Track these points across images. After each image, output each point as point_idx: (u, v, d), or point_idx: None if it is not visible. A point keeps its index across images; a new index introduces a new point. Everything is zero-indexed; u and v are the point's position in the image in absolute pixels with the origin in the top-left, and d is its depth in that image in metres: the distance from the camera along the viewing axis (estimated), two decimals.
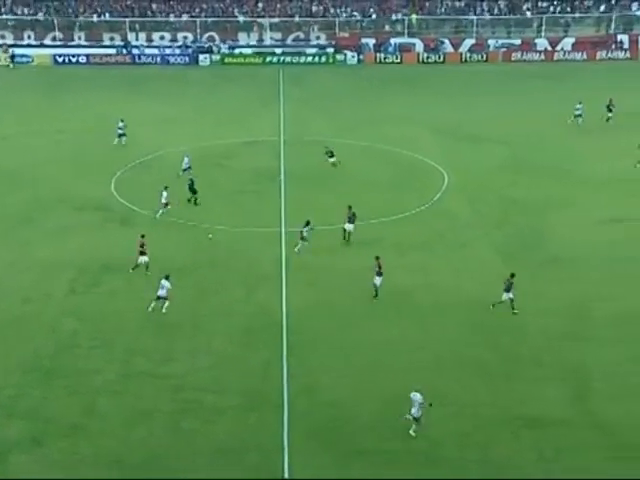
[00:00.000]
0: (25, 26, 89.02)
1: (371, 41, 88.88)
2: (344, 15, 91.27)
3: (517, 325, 32.00)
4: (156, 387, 27.93)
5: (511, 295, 32.36)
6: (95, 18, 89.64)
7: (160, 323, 32.00)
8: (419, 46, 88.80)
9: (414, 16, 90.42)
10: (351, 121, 62.21)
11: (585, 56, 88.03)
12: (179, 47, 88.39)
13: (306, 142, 55.30)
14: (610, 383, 28.37)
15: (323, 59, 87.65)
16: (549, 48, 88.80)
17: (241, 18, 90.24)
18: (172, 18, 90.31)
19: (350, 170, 49.70)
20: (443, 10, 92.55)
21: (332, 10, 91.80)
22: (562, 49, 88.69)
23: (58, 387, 28.03)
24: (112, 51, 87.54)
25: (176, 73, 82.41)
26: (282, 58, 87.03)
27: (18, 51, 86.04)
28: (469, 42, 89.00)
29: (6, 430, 25.78)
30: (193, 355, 29.84)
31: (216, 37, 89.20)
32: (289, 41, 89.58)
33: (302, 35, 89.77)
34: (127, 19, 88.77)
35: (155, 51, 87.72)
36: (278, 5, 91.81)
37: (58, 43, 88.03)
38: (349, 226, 39.13)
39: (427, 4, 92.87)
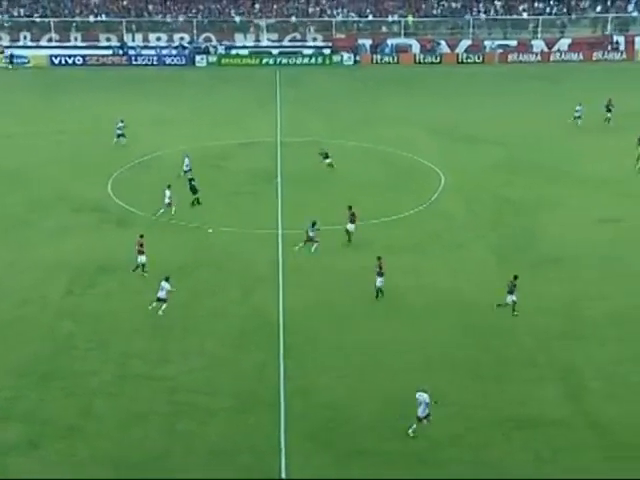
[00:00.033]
0: (21, 27, 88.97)
1: (368, 42, 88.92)
2: (340, 16, 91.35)
3: (511, 326, 32.14)
4: (151, 389, 28.03)
5: (514, 298, 32.48)
6: (91, 19, 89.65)
7: (156, 324, 32.10)
8: (415, 47, 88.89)
9: (410, 17, 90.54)
10: (348, 122, 62.31)
11: (581, 57, 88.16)
12: (175, 48, 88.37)
13: (303, 143, 55.39)
14: (605, 382, 28.52)
15: (320, 60, 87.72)
16: (545, 49, 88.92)
17: (238, 19, 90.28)
18: (168, 19, 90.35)
19: (346, 171, 49.82)
20: (439, 11, 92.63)
21: (329, 11, 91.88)
22: (558, 50, 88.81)
23: (55, 389, 28.13)
24: (108, 52, 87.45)
25: (173, 74, 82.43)
26: (279, 59, 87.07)
27: (15, 52, 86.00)
28: (465, 43, 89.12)
29: (3, 433, 25.86)
30: (188, 357, 29.93)
31: (213, 38, 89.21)
32: (286, 42, 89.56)
33: (299, 36, 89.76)
34: (123, 20, 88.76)
35: (152, 52, 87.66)
36: (275, 6, 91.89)
37: (54, 44, 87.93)
38: (350, 226, 39.26)
39: (423, 5, 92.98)
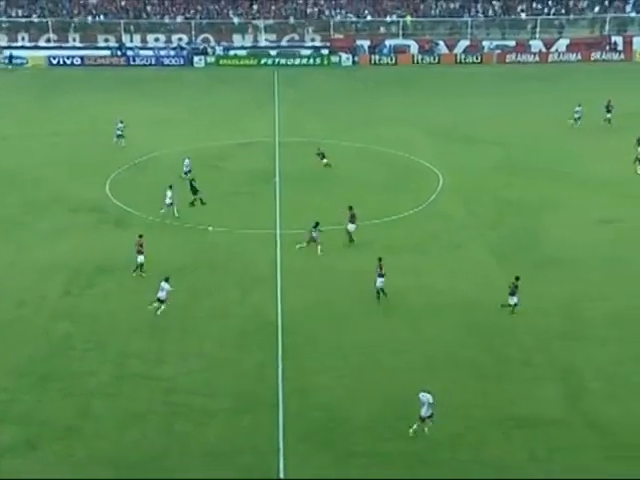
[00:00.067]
0: (19, 28, 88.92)
1: (366, 43, 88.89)
2: (339, 17, 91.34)
3: (511, 326, 32.07)
4: (149, 389, 27.94)
5: (515, 300, 32.39)
6: (90, 19, 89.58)
7: (154, 325, 31.99)
8: (414, 47, 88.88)
9: (409, 18, 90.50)
10: (346, 122, 62.24)
11: (579, 57, 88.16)
12: (174, 49, 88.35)
13: (301, 143, 55.31)
14: (604, 383, 28.46)
15: (318, 61, 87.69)
16: (543, 49, 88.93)
17: (236, 20, 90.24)
18: (167, 20, 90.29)
19: (345, 172, 49.77)
20: (438, 12, 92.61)
21: (327, 12, 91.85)
22: (556, 50, 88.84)
23: (52, 390, 28.02)
24: (107, 53, 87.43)
25: (171, 74, 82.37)
26: (277, 60, 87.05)
27: (13, 53, 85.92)
28: (464, 43, 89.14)
29: (0, 434, 25.75)
30: (186, 357, 29.83)
31: (211, 39, 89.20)
32: (284, 43, 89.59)
33: (297, 37, 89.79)
34: (122, 21, 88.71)
35: (150, 53, 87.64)
36: (273, 7, 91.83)
37: (52, 45, 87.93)
38: (351, 226, 39.18)
39: (422, 6, 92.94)
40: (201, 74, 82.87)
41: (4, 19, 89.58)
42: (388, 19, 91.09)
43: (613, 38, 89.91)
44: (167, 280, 32.51)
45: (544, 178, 48.65)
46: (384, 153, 54.43)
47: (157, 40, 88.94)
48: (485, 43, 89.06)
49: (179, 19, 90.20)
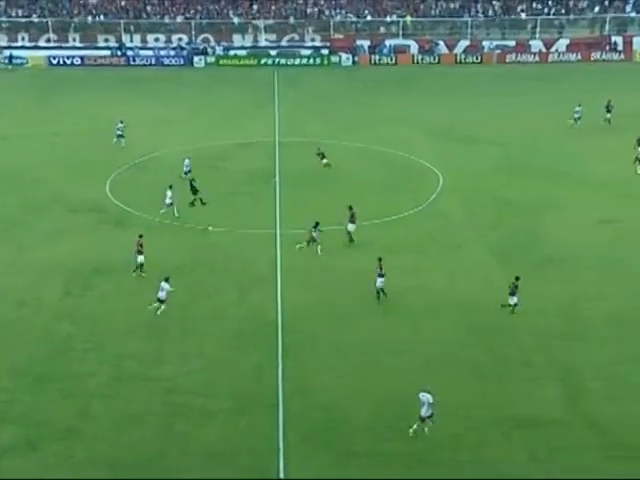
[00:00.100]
0: (19, 28, 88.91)
1: (366, 43, 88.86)
2: (339, 17, 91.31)
3: (511, 326, 32.04)
4: (148, 390, 27.91)
5: (515, 300, 32.35)
6: (90, 20, 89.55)
7: (153, 326, 31.96)
8: (414, 47, 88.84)
9: (409, 18, 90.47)
10: (346, 122, 62.21)
11: (579, 57, 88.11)
12: (174, 49, 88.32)
13: (301, 143, 55.29)
14: (604, 383, 28.43)
15: (318, 61, 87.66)
16: (543, 49, 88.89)
17: (236, 20, 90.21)
18: (167, 20, 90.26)
19: (345, 171, 49.75)
20: (438, 12, 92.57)
21: (327, 12, 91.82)
22: (556, 50, 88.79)
23: (52, 391, 28.00)
24: (107, 53, 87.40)
25: (171, 74, 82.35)
26: (277, 60, 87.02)
27: (13, 53, 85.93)
28: (464, 43, 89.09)
29: (0, 434, 25.72)
30: (185, 358, 29.80)
31: (211, 39, 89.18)
32: (284, 43, 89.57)
33: (297, 37, 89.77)
34: (122, 21, 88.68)
35: (150, 53, 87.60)
36: (273, 7, 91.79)
37: (52, 45, 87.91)
38: (351, 226, 39.16)
39: (422, 6, 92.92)
40: (201, 74, 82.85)
41: (4, 19, 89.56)
42: (388, 19, 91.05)
43: (613, 38, 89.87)
44: (167, 280, 32.48)
45: (544, 178, 48.62)
46: (384, 153, 54.41)
47: (157, 40, 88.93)
48: (485, 43, 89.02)
49: (179, 19, 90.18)
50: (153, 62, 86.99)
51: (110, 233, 40.93)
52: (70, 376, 28.84)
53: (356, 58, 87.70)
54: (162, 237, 39.85)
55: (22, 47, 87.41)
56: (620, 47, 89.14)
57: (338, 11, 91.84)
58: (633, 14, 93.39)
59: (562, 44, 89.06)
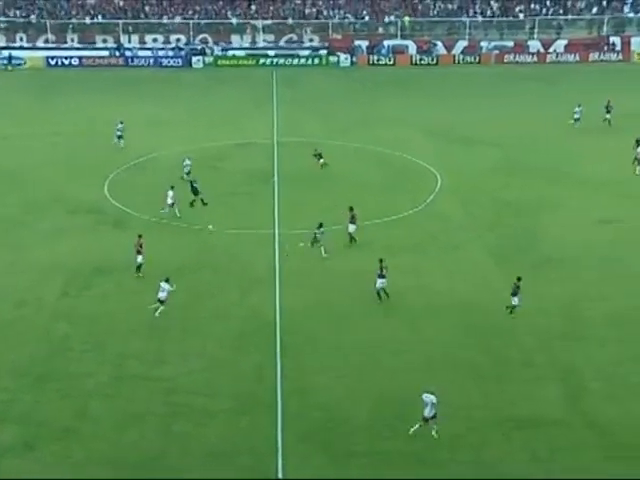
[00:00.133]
0: (17, 28, 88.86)
1: (364, 43, 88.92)
2: (337, 17, 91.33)
3: (510, 326, 32.03)
4: (148, 390, 27.87)
5: (517, 300, 32.31)
6: (88, 20, 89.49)
7: (152, 326, 31.93)
8: (412, 48, 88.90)
9: (407, 18, 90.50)
10: (344, 123, 62.23)
11: (577, 58, 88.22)
12: (172, 49, 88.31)
13: (299, 144, 55.27)
14: (604, 383, 28.42)
15: (316, 61, 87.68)
16: (542, 50, 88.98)
17: (234, 20, 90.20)
18: (165, 20, 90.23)
19: (343, 172, 49.74)
20: (436, 12, 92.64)
21: (325, 12, 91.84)
22: (554, 51, 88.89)
23: (50, 391, 27.96)
24: (105, 53, 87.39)
25: (169, 75, 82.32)
26: (275, 60, 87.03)
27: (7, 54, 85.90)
28: (462, 44, 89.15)
29: (0, 435, 25.66)
30: (185, 358, 29.78)
31: (209, 39, 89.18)
32: (282, 43, 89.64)
33: (295, 37, 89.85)
34: (120, 21, 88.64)
35: (148, 53, 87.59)
36: (271, 7, 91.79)
37: (51, 45, 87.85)
38: (351, 227, 39.13)
39: (420, 6, 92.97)
40: (199, 74, 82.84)
41: (2, 19, 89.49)
42: (386, 20, 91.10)
43: (611, 39, 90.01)
44: (167, 280, 32.43)
45: (542, 179, 48.64)
46: (382, 153, 54.40)
47: (155, 41, 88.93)
48: (483, 44, 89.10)
49: (177, 19, 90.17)
50: (151, 63, 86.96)
51: (109, 234, 40.89)
52: (68, 376, 28.81)
53: (354, 58, 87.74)
54: (162, 237, 39.80)
55: (20, 48, 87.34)
56: (618, 47, 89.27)
57: (336, 11, 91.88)
58: (631, 15, 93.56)
59: (560, 45, 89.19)
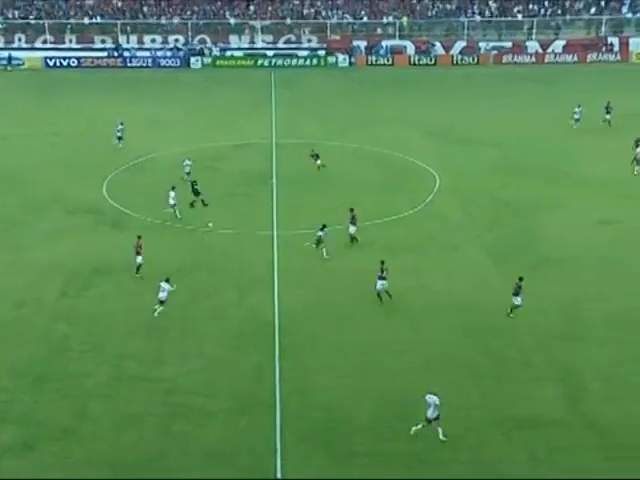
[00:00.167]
0: (16, 29, 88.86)
1: (362, 44, 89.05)
2: (335, 18, 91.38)
3: (509, 327, 32.00)
4: (147, 390, 27.82)
5: (520, 300, 32.27)
6: (86, 21, 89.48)
7: (151, 326, 31.89)
8: (410, 48, 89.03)
9: (405, 19, 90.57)
10: (343, 123, 62.26)
11: (576, 58, 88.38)
12: (170, 50, 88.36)
13: (298, 145, 55.25)
14: (604, 383, 28.36)
15: (315, 62, 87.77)
16: (540, 50, 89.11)
17: (232, 20, 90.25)
18: (163, 20, 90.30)
19: (342, 172, 49.74)
20: (434, 13, 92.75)
21: (323, 13, 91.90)
22: (553, 51, 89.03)
23: (49, 391, 27.90)
24: (103, 54, 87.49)
25: (167, 76, 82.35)
26: (273, 61, 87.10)
27: (6, 54, 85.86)
28: (460, 45, 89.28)
29: (0, 435, 25.65)
30: (184, 358, 29.73)
31: (207, 40, 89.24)
32: (280, 44, 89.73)
33: (294, 38, 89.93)
34: (118, 22, 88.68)
35: (146, 54, 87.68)
36: (269, 8, 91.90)
37: (49, 46, 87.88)
38: (352, 228, 39.12)
39: (418, 7, 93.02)
40: (198, 75, 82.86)
41: (1, 20, 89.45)
42: (385, 20, 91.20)
43: (609, 39, 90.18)
44: (167, 280, 32.37)
45: (541, 179, 48.65)
46: (381, 154, 54.41)
47: (154, 41, 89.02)
48: (481, 44, 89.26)
49: (176, 20, 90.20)
50: (150, 63, 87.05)
51: (108, 234, 40.86)
52: (67, 376, 28.73)
53: (353, 59, 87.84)
54: (161, 238, 39.76)
55: (19, 48, 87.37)
56: (616, 48, 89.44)
57: (335, 12, 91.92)
58: (629, 15, 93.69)
59: (558, 45, 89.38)
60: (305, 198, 45.18)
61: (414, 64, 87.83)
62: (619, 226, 41.68)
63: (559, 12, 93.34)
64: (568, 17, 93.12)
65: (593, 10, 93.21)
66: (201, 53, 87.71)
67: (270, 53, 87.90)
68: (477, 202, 45.45)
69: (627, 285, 35.42)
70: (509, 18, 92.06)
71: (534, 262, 37.40)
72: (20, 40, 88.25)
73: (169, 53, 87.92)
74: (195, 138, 57.73)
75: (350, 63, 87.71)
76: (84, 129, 59.96)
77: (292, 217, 42.18)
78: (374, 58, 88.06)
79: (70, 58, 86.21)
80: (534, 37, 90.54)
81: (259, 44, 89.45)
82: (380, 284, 33.34)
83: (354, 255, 37.99)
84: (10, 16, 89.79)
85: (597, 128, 58.92)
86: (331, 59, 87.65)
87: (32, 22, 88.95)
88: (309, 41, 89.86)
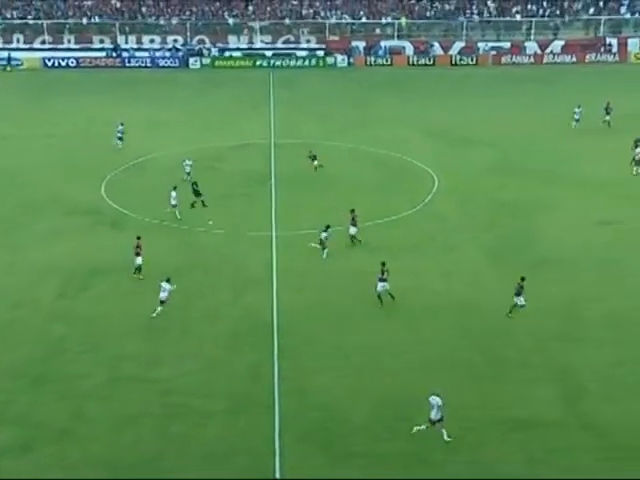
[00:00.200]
0: (14, 29, 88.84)
1: (361, 44, 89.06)
2: (334, 18, 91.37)
3: (507, 327, 31.99)
4: (144, 391, 27.79)
5: (522, 300, 32.23)
6: (85, 21, 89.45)
7: (148, 327, 31.86)
8: (409, 49, 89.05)
9: (404, 19, 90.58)
10: (341, 124, 62.26)
11: (574, 59, 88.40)
12: (169, 50, 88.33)
13: (297, 145, 55.23)
14: (602, 384, 28.35)
15: (313, 62, 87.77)
16: (538, 51, 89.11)
17: (231, 21, 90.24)
18: (162, 21, 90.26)
19: (341, 173, 49.72)
20: (433, 13, 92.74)
21: (322, 13, 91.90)
22: (551, 52, 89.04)
23: (47, 392, 27.87)
24: (102, 54, 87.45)
25: (166, 76, 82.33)
26: (272, 61, 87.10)
27: (5, 54, 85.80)
28: (459, 45, 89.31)
29: None
30: (182, 359, 29.70)
31: (206, 40, 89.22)
32: (279, 44, 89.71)
33: (292, 38, 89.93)
34: (117, 22, 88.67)
35: (145, 54, 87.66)
36: (268, 8, 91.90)
37: (47, 46, 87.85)
38: (353, 229, 39.09)
39: (417, 7, 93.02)
40: (196, 75, 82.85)
41: None
42: (383, 20, 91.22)
43: (608, 39, 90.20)
44: (168, 280, 32.33)
45: (539, 179, 48.62)
46: (379, 154, 54.40)
47: (152, 41, 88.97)
48: (480, 45, 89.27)
49: (174, 20, 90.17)
50: (148, 63, 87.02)
51: (106, 235, 40.83)
52: (65, 377, 28.71)
53: (351, 59, 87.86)
54: (160, 239, 39.72)
55: (17, 49, 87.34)
56: (615, 49, 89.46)
57: (333, 12, 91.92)
58: (628, 16, 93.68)
59: (557, 45, 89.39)
60: (304, 198, 45.16)
61: (413, 64, 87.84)
62: (618, 227, 41.64)
63: (558, 13, 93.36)
64: (567, 18, 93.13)
65: (592, 11, 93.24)
66: (200, 53, 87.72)
67: (269, 53, 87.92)
68: (476, 202, 45.42)
69: (625, 286, 35.40)
70: (508, 18, 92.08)
71: (532, 263, 37.37)
72: (19, 40, 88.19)
73: (168, 53, 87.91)
74: (194, 138, 57.72)
75: (349, 63, 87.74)
76: (83, 129, 59.95)
77: (291, 218, 42.17)
78: (373, 58, 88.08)
79: (69, 58, 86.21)
80: (533, 37, 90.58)
81: (258, 44, 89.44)
82: (381, 286, 33.24)
83: (354, 255, 37.97)
84: (8, 16, 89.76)
85: (596, 129, 58.91)
86: (330, 59, 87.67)
87: (30, 22, 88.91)
88: (308, 41, 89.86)
